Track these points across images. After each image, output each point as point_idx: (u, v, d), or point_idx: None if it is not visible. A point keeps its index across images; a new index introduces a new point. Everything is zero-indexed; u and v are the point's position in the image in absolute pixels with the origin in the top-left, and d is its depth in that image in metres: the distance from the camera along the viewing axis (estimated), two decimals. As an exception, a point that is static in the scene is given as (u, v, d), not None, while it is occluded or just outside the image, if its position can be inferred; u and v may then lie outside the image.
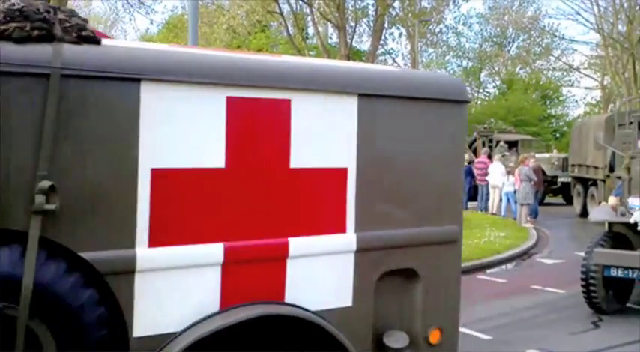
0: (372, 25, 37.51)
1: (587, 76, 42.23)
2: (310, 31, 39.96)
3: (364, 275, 3.03)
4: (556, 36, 41.27)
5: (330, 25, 39.22)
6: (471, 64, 50.27)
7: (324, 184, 2.96)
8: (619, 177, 9.87)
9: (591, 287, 7.47)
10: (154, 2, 30.06)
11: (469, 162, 19.69)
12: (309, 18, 38.54)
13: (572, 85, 48.16)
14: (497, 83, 51.78)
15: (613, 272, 7.24)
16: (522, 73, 49.91)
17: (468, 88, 51.22)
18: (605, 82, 39.74)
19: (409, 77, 3.47)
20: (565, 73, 46.78)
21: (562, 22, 74.95)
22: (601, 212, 8.15)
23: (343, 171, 2.99)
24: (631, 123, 9.06)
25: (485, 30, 49.59)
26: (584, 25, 33.66)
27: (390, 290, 3.14)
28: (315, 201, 2.94)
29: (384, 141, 3.11)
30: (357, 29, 38.63)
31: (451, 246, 3.41)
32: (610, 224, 7.83)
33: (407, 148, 3.19)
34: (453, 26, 41.54)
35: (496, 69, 50.89)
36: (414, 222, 3.20)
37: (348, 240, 3.00)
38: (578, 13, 33.07)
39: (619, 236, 7.70)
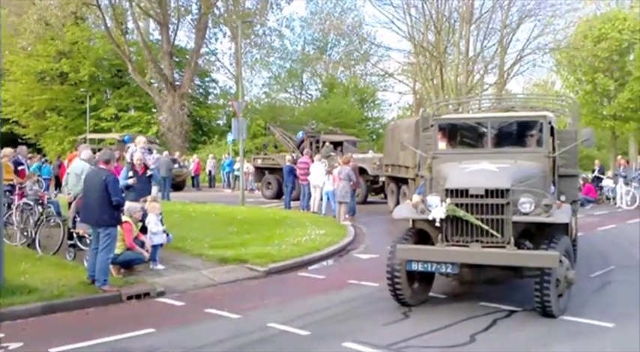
0: (195, 23, 37.01)
1: (401, 81, 44.93)
2: (130, 25, 38.46)
3: None
4: (374, 43, 43.42)
5: (151, 20, 38.09)
6: (293, 66, 51.31)
7: None
8: (422, 176, 10.42)
9: (396, 280, 7.67)
10: (-49, -15, 27.15)
11: (294, 162, 20.06)
12: (129, 12, 37.11)
13: (387, 90, 51.04)
14: (319, 86, 53.39)
15: (414, 266, 7.47)
16: (343, 76, 51.95)
17: (291, 90, 52.36)
18: (416, 88, 42.50)
19: None
20: (381, 78, 49.42)
21: (379, 30, 79.13)
22: (403, 209, 8.31)
23: None
24: (432, 125, 9.44)
25: (308, 34, 50.98)
26: (398, 33, 35.67)
27: None
28: None
29: None
30: (180, 27, 37.93)
31: None
32: (414, 221, 8.13)
33: None
34: (276, 28, 42.16)
35: (318, 72, 52.44)
36: None
37: None
38: (393, 22, 35.00)
39: (422, 232, 8.03)
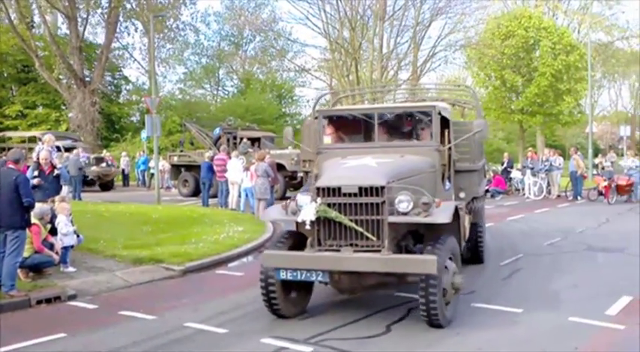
0: (105, 17, 35.83)
1: (317, 78, 45.14)
2: (37, 19, 36.80)
3: None
4: (289, 39, 43.42)
5: (59, 14, 36.60)
6: (209, 61, 50.64)
7: None
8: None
9: (270, 288, 6.88)
10: None
11: (211, 159, 19.83)
12: (34, 5, 35.51)
13: (304, 86, 51.20)
14: (236, 82, 52.93)
15: (283, 275, 6.63)
16: (259, 72, 51.70)
17: (207, 86, 51.67)
18: (333, 84, 42.79)
19: None
20: (298, 75, 49.49)
21: (295, 26, 79.39)
22: (273, 211, 7.45)
23: None
24: (316, 118, 8.54)
25: (223, 29, 50.41)
26: (313, 29, 35.77)
27: None
28: None
29: None
30: (89, 20, 36.61)
31: None
32: (297, 222, 7.08)
33: None
34: (190, 23, 41.48)
35: (234, 68, 51.98)
36: None
37: None
38: (308, 18, 35.08)
39: (301, 235, 7.08)
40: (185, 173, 25.24)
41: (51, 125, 37.94)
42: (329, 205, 6.55)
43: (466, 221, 8.14)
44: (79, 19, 34.96)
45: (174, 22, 37.84)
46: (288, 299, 7.12)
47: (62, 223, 9.74)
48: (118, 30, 36.50)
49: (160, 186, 22.39)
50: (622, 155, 37.72)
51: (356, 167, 7.16)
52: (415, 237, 7.16)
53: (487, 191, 17.39)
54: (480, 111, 11.93)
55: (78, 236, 10.10)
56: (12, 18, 33.64)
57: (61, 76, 36.24)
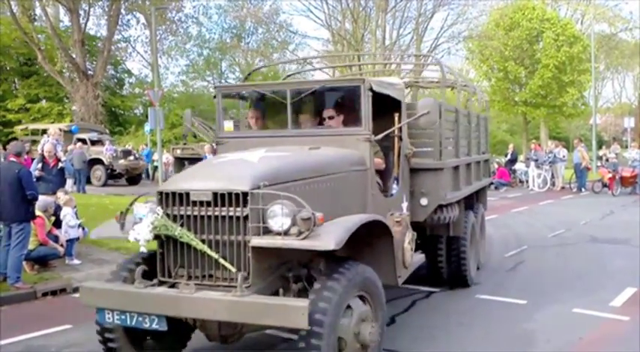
0: (107, 9, 35.76)
1: (320, 69, 44.98)
2: (39, 12, 36.72)
3: None
4: (291, 31, 43.33)
5: (61, 6, 36.55)
6: (211, 54, 50.63)
7: None
8: None
9: (106, 333, 4.96)
10: None
11: (213, 152, 19.81)
12: (36, -2, 35.47)
13: (307, 78, 51.03)
14: (238, 74, 52.84)
15: (108, 318, 4.58)
16: (262, 65, 51.57)
17: (210, 79, 51.61)
18: (336, 76, 42.68)
19: None
20: (300, 67, 49.34)
21: (296, 18, 79.28)
22: (104, 228, 5.55)
23: None
24: (214, 97, 6.62)
25: (225, 21, 50.34)
26: (315, 21, 35.71)
27: None
28: None
29: None
30: (91, 13, 36.54)
31: None
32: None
33: None
34: (193, 15, 41.43)
35: (237, 60, 51.95)
36: None
37: None
38: (310, 10, 34.98)
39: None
40: (189, 166, 25.21)
41: (54, 118, 37.96)
42: (174, 218, 4.54)
43: (406, 241, 5.68)
44: (81, 12, 34.91)
45: (177, 14, 37.81)
46: (141, 347, 5.13)
47: (69, 215, 9.76)
48: (120, 22, 36.44)
49: (164, 179, 22.41)
50: (626, 147, 37.67)
51: (224, 164, 5.03)
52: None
53: (491, 183, 17.38)
54: (474, 88, 10.55)
55: (83, 228, 10.14)
56: (14, 11, 33.59)
57: (63, 69, 36.24)
